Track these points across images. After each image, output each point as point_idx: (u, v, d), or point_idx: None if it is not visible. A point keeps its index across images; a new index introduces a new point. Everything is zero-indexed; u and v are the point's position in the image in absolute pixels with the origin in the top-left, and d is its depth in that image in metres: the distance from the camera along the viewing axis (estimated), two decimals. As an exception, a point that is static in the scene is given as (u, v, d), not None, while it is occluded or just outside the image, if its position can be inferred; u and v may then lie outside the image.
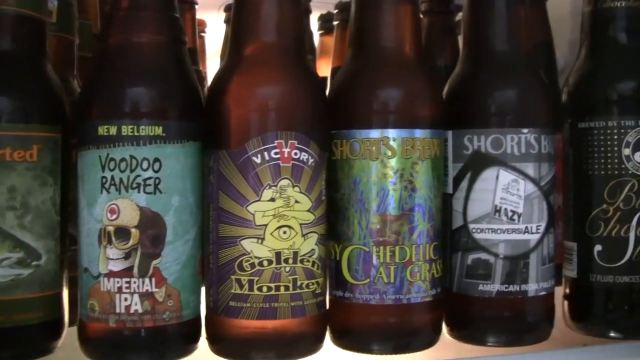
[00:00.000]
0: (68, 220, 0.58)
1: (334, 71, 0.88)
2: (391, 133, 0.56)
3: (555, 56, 0.81)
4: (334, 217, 0.58)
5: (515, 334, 0.60)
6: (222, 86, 0.56)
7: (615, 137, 0.61)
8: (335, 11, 0.92)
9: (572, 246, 0.63)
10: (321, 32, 0.97)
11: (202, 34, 0.96)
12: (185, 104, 0.56)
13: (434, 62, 0.83)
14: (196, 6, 0.84)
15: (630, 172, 0.60)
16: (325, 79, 0.88)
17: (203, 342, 0.58)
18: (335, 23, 0.93)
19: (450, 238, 0.61)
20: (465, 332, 0.61)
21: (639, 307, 0.62)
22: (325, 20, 0.96)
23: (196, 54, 0.84)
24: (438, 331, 0.60)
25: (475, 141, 0.59)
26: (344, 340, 0.59)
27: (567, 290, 0.65)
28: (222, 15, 0.92)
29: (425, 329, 0.59)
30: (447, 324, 0.62)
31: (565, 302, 0.65)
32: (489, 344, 0.60)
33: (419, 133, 0.57)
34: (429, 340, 0.59)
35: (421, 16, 0.82)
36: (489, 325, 0.60)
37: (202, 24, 0.95)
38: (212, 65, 1.02)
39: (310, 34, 0.85)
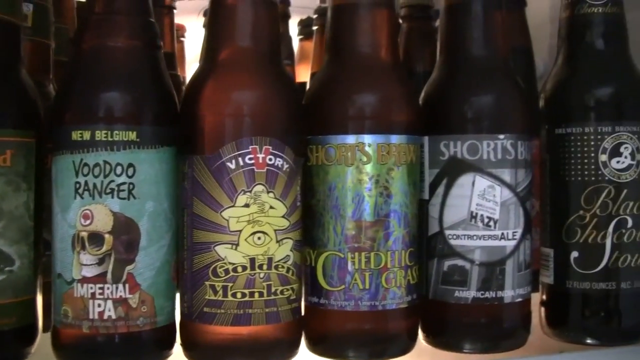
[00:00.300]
0: (42, 226, 0.58)
1: (314, 76, 0.88)
2: (367, 139, 0.57)
3: (534, 62, 0.82)
4: (310, 223, 0.58)
5: (491, 340, 0.61)
6: (196, 91, 0.56)
7: (592, 143, 0.61)
8: (315, 16, 0.93)
9: (549, 252, 0.64)
10: (301, 37, 0.98)
11: (182, 39, 0.96)
12: (159, 109, 0.56)
13: (413, 67, 0.83)
14: (175, 11, 0.84)
15: (606, 178, 0.61)
16: (304, 84, 0.89)
17: (178, 348, 0.58)
18: (314, 28, 0.93)
19: (427, 244, 0.61)
20: (441, 339, 0.62)
21: (616, 314, 0.62)
22: (304, 25, 0.97)
23: (174, 58, 0.85)
24: (414, 338, 0.61)
25: (452, 147, 0.60)
26: (320, 347, 0.59)
27: (544, 297, 0.65)
28: (202, 19, 0.92)
29: (401, 335, 0.59)
30: (423, 331, 0.62)
31: (542, 309, 0.65)
32: (465, 350, 0.61)
33: (394, 139, 0.57)
34: (404, 347, 0.60)
35: (400, 22, 0.83)
36: (465, 331, 0.61)
37: (182, 29, 0.96)
38: (191, 70, 1.02)
39: (289, 39, 0.86)
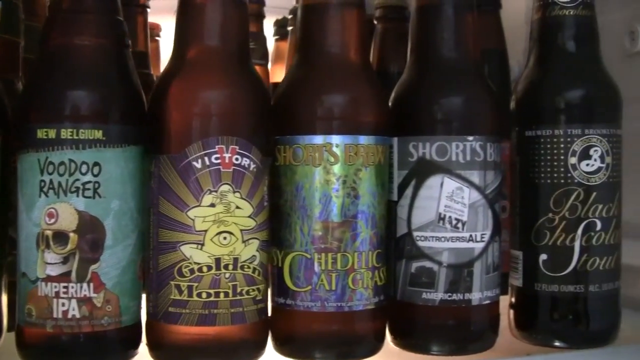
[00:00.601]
0: (8, 225, 0.58)
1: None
2: (334, 139, 0.57)
3: (508, 64, 0.83)
4: (277, 223, 0.59)
5: (459, 343, 0.61)
6: (163, 90, 0.57)
7: (562, 145, 0.62)
8: (290, 17, 0.93)
9: (518, 255, 0.64)
10: (276, 37, 0.98)
11: (157, 38, 0.97)
12: (126, 107, 0.57)
13: (388, 68, 0.84)
14: (149, 10, 0.84)
15: (576, 181, 0.62)
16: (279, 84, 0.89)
17: (144, 348, 0.58)
18: (290, 29, 0.94)
19: (395, 246, 0.62)
20: (409, 341, 0.62)
21: (584, 317, 0.63)
22: (280, 25, 0.97)
23: (148, 57, 0.85)
24: (381, 339, 0.61)
25: (420, 148, 0.60)
26: (286, 348, 0.60)
27: (513, 300, 0.66)
28: (177, 19, 0.92)
29: (368, 337, 0.60)
30: (391, 332, 0.63)
31: (511, 311, 0.66)
32: (432, 353, 0.61)
33: (362, 139, 0.58)
34: (371, 348, 0.60)
35: (375, 22, 0.83)
36: (433, 334, 0.61)
37: (157, 28, 0.96)
38: (166, 70, 1.02)
39: (264, 39, 0.86)
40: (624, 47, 0.74)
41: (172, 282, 0.55)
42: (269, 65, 0.94)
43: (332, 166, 0.57)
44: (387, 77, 0.81)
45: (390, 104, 0.63)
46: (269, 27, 0.97)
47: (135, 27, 0.84)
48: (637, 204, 0.73)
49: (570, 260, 0.62)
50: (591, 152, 0.62)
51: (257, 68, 0.81)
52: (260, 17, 0.87)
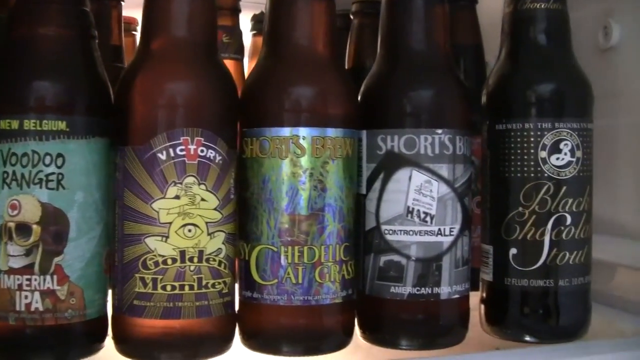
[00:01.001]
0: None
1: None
2: (301, 131, 0.57)
3: (484, 59, 0.83)
4: (244, 216, 0.59)
5: (427, 337, 0.61)
6: (128, 81, 0.57)
7: (532, 139, 0.62)
8: (268, 11, 0.92)
9: (489, 249, 0.64)
10: (254, 32, 0.98)
11: (133, 32, 0.96)
12: (91, 99, 0.57)
13: (364, 63, 0.84)
14: (123, 3, 0.84)
15: (546, 175, 0.62)
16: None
17: (111, 342, 0.58)
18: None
19: (364, 239, 0.61)
20: (378, 335, 0.62)
21: (554, 311, 0.63)
22: (257, 20, 0.97)
23: (122, 51, 0.84)
24: (349, 333, 0.61)
25: (389, 141, 0.60)
26: (253, 342, 0.59)
27: (484, 294, 0.66)
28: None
29: (335, 331, 0.60)
30: (359, 327, 0.63)
31: (482, 306, 0.66)
32: (401, 347, 0.61)
33: (330, 132, 0.58)
34: (339, 342, 0.60)
35: (352, 17, 0.83)
36: (401, 328, 0.61)
37: (134, 22, 0.95)
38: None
39: (240, 33, 0.86)
40: (597, 42, 0.74)
41: (136, 275, 0.55)
42: (246, 60, 0.93)
43: (299, 159, 0.57)
44: (364, 72, 0.80)
45: (359, 96, 0.62)
46: (246, 22, 0.96)
47: (109, 21, 0.83)
48: (609, 199, 0.73)
49: (540, 254, 0.62)
50: (561, 146, 0.62)
51: (233, 62, 0.81)
52: (236, 11, 0.86)
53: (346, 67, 0.88)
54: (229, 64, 0.82)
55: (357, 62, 0.86)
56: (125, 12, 0.85)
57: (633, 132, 0.70)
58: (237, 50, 0.85)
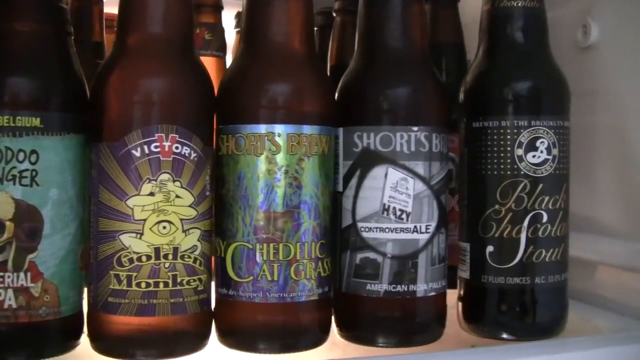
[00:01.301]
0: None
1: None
2: (277, 128, 0.57)
3: (466, 57, 0.83)
4: (220, 213, 0.58)
5: (404, 334, 0.61)
6: (103, 78, 0.57)
7: (508, 137, 0.62)
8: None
9: (466, 247, 0.64)
10: (237, 29, 0.97)
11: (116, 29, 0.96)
12: (65, 96, 0.56)
13: (346, 60, 0.83)
14: (104, 0, 0.83)
15: (522, 172, 0.62)
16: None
17: (87, 339, 0.58)
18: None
19: (340, 236, 0.61)
20: (354, 333, 0.62)
21: (530, 309, 0.63)
22: (241, 17, 0.96)
23: (104, 48, 0.84)
24: (326, 331, 0.61)
25: (365, 138, 0.60)
26: (230, 339, 0.59)
27: (461, 292, 0.66)
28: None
29: (311, 328, 0.60)
30: (336, 324, 0.62)
31: (460, 304, 0.66)
32: (378, 344, 0.61)
33: (306, 129, 0.58)
34: (315, 339, 0.60)
35: (334, 15, 0.83)
36: (377, 325, 0.61)
37: (115, 19, 0.95)
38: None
39: (222, 30, 0.86)
40: (577, 40, 0.74)
41: (111, 272, 0.55)
42: (230, 58, 0.93)
43: (274, 156, 0.57)
44: (346, 69, 0.81)
45: (337, 94, 0.62)
46: (230, 19, 0.96)
47: (91, 18, 0.83)
48: (588, 197, 0.73)
49: (516, 252, 0.62)
50: (538, 143, 0.62)
51: (215, 60, 0.81)
52: (219, 8, 0.86)
53: (329, 64, 0.88)
54: (211, 61, 0.82)
55: (340, 60, 0.86)
56: (107, 9, 0.85)
57: (611, 130, 0.70)
58: (219, 48, 0.84)
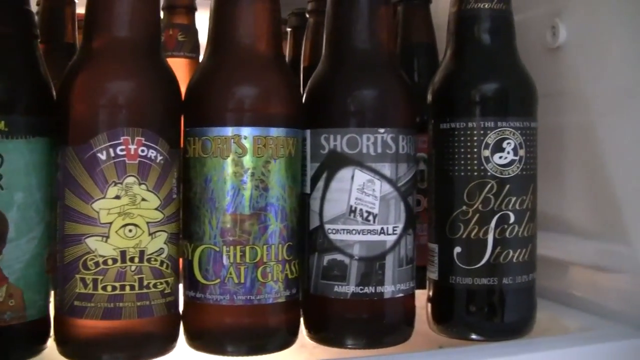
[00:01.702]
0: None
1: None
2: (243, 131, 0.57)
3: (438, 58, 0.83)
4: (187, 216, 0.58)
5: (372, 336, 0.61)
6: (69, 80, 0.56)
7: (475, 138, 0.62)
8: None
9: (434, 248, 0.64)
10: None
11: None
12: (31, 99, 0.56)
13: (319, 61, 0.83)
14: (77, 1, 0.83)
15: (489, 173, 0.62)
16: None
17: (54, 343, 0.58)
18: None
19: (308, 238, 0.61)
20: (323, 334, 0.62)
21: (498, 309, 0.63)
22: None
23: (76, 49, 0.84)
24: (294, 332, 0.61)
25: (332, 140, 0.60)
26: (198, 342, 0.59)
27: (430, 293, 0.66)
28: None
29: (279, 330, 0.60)
30: (305, 326, 0.62)
31: (429, 305, 0.66)
32: (346, 346, 0.61)
33: (272, 131, 0.58)
34: (284, 341, 0.60)
35: (307, 16, 0.83)
36: (346, 327, 0.61)
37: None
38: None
39: (195, 32, 0.85)
40: (546, 42, 0.74)
41: (77, 276, 0.55)
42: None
43: (241, 158, 0.57)
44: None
45: (304, 96, 0.62)
46: (204, 21, 0.96)
47: (63, 19, 0.83)
48: (556, 197, 0.73)
49: (483, 253, 0.62)
50: (504, 145, 0.62)
51: (188, 61, 0.81)
52: (192, 9, 0.86)
53: (302, 65, 0.88)
54: (184, 62, 0.82)
55: (313, 61, 0.86)
56: (80, 10, 0.84)
57: (580, 130, 0.71)
58: (193, 49, 0.84)
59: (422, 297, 0.66)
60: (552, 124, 0.71)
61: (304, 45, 0.88)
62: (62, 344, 0.57)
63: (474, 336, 0.63)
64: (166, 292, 0.57)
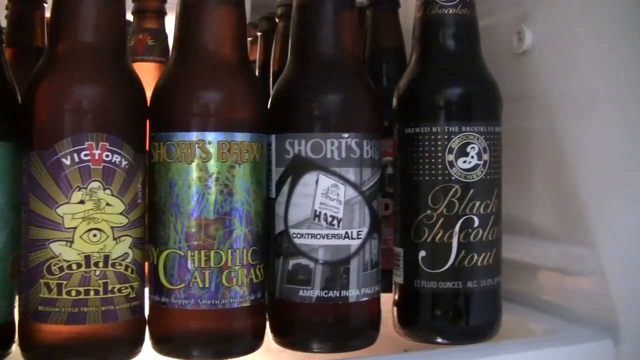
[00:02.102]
0: None
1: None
2: (207, 136, 0.57)
3: (406, 62, 0.83)
4: (152, 220, 0.59)
5: (337, 340, 0.62)
6: (34, 85, 0.57)
7: (439, 143, 0.63)
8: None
9: (399, 252, 0.65)
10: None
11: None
12: (-7, 103, 0.56)
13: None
14: (45, 5, 0.83)
15: (453, 178, 0.62)
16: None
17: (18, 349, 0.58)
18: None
19: (273, 243, 0.62)
20: (289, 339, 0.63)
21: (463, 313, 0.64)
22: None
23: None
24: (260, 337, 0.61)
25: (296, 145, 0.60)
26: (163, 346, 0.60)
27: (396, 297, 0.66)
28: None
29: (244, 334, 0.60)
30: (271, 330, 0.63)
31: (394, 308, 0.66)
32: (312, 350, 0.61)
33: (237, 136, 0.58)
34: (249, 346, 0.61)
35: (277, 20, 0.83)
36: (311, 331, 0.62)
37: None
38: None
39: (165, 36, 0.86)
40: (512, 46, 0.75)
41: (41, 280, 0.55)
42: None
43: (205, 163, 0.57)
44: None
45: (270, 101, 0.63)
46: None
47: (32, 23, 0.83)
48: (523, 200, 0.74)
49: (448, 257, 0.63)
50: (468, 149, 0.62)
51: (157, 65, 0.81)
52: (162, 13, 0.86)
53: (272, 69, 0.88)
54: (153, 66, 0.82)
55: (282, 65, 0.85)
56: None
57: (546, 134, 0.71)
58: (162, 53, 0.85)
59: (389, 300, 0.66)
60: (518, 128, 0.72)
61: (274, 50, 0.89)
62: (27, 349, 0.57)
63: (439, 340, 0.64)
64: (131, 296, 0.57)
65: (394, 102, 0.67)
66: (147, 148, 0.60)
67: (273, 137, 0.62)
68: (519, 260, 0.73)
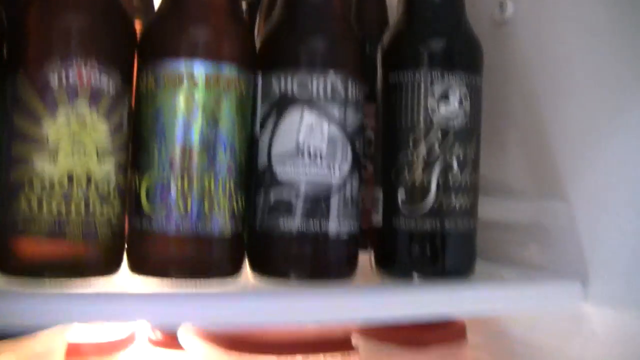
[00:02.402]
0: None
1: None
2: (196, 67, 0.58)
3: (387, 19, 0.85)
4: (137, 147, 0.60)
5: (315, 272, 0.62)
6: (25, 6, 0.57)
7: (422, 89, 0.64)
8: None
9: (379, 192, 0.66)
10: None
11: None
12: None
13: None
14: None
15: (434, 122, 0.64)
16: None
17: None
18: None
19: (256, 176, 0.63)
20: (267, 269, 0.63)
21: (440, 253, 0.64)
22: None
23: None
24: (238, 266, 0.62)
25: (282, 82, 0.61)
26: (141, 270, 0.60)
27: (374, 237, 0.67)
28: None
29: (222, 261, 0.60)
30: (250, 262, 0.63)
31: (372, 250, 0.67)
32: (290, 280, 0.62)
33: (224, 69, 0.59)
34: (226, 274, 0.61)
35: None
36: (290, 263, 0.62)
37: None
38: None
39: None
40: (494, 16, 0.77)
41: (22, 196, 0.55)
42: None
43: (192, 93, 0.58)
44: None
45: (261, 40, 0.64)
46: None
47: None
48: (499, 161, 0.75)
49: (427, 198, 0.63)
50: (450, 95, 0.63)
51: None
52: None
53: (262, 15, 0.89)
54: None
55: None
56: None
57: (521, 99, 0.73)
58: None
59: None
60: (496, 94, 0.74)
61: (258, 20, 0.89)
62: (4, 263, 0.57)
63: (416, 277, 0.64)
64: (112, 218, 0.57)
65: (379, 50, 0.68)
66: (135, 79, 0.60)
67: (260, 74, 0.63)
68: (493, 219, 0.74)
